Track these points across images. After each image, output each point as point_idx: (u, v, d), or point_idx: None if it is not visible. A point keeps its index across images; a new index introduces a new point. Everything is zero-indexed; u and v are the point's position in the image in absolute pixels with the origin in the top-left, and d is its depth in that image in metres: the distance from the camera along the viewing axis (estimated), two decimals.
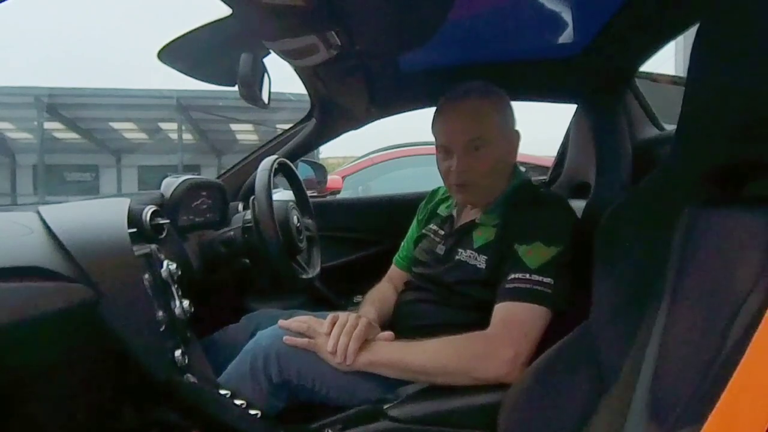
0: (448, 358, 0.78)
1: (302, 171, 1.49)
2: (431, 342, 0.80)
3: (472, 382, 0.78)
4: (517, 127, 0.96)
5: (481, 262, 0.89)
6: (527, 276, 0.81)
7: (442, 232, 1.02)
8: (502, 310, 0.81)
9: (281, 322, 0.88)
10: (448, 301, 0.92)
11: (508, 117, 0.94)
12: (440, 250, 0.99)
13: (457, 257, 0.93)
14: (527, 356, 0.77)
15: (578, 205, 1.07)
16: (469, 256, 0.91)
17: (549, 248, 0.82)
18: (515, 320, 0.79)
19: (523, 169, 1.04)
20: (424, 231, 1.08)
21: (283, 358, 0.84)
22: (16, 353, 0.63)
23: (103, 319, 0.69)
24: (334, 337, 0.81)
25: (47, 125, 9.36)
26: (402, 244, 1.17)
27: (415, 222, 1.16)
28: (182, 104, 9.10)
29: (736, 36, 0.43)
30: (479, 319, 0.83)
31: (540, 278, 0.80)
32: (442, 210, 1.07)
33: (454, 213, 1.03)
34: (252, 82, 0.93)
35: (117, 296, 0.71)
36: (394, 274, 1.15)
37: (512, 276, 0.82)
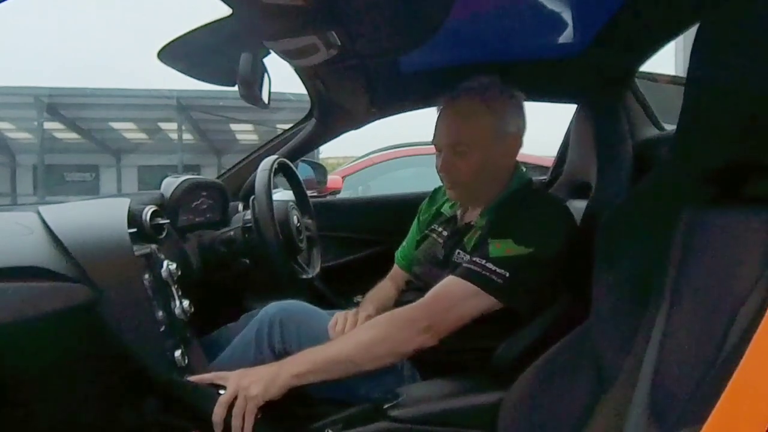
0: (374, 343, 0.79)
1: (302, 171, 1.48)
2: (356, 330, 0.83)
3: (397, 358, 0.81)
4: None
5: None
6: (483, 262, 0.82)
7: (446, 233, 1.02)
8: (442, 282, 0.84)
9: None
10: None
11: (506, 119, 0.91)
12: (440, 253, 0.99)
13: (454, 259, 0.94)
14: (444, 332, 0.80)
15: (579, 205, 1.07)
16: (463, 258, 0.91)
17: (518, 247, 0.82)
18: (445, 294, 0.82)
19: (523, 169, 1.04)
20: (427, 231, 1.08)
21: (285, 327, 0.86)
22: (16, 353, 0.63)
23: (103, 319, 0.69)
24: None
25: (47, 125, 9.34)
26: (403, 243, 1.17)
27: (416, 222, 1.16)
28: (182, 104, 9.08)
29: (736, 36, 0.43)
30: (477, 320, 0.83)
31: (493, 267, 0.81)
32: (446, 209, 1.07)
33: (458, 213, 1.02)
34: (252, 82, 0.93)
35: (117, 296, 0.71)
36: (396, 273, 1.15)
37: (471, 259, 0.84)
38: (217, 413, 0.73)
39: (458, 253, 0.93)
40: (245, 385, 0.74)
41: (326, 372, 0.78)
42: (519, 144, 0.95)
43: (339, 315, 0.92)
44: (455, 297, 0.82)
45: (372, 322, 0.83)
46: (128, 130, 10.77)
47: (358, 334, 0.81)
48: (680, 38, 0.99)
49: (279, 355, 0.85)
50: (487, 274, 0.81)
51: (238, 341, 0.90)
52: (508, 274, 0.81)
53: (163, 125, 10.28)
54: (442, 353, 0.86)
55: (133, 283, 0.75)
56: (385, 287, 1.11)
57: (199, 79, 1.06)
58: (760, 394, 0.33)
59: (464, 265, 0.85)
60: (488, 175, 0.93)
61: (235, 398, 0.74)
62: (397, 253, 1.17)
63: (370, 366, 0.79)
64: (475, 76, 0.94)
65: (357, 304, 1.09)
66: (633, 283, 0.57)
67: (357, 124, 1.48)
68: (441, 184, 1.04)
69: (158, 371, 0.76)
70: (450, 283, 0.84)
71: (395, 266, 1.17)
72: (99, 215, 0.86)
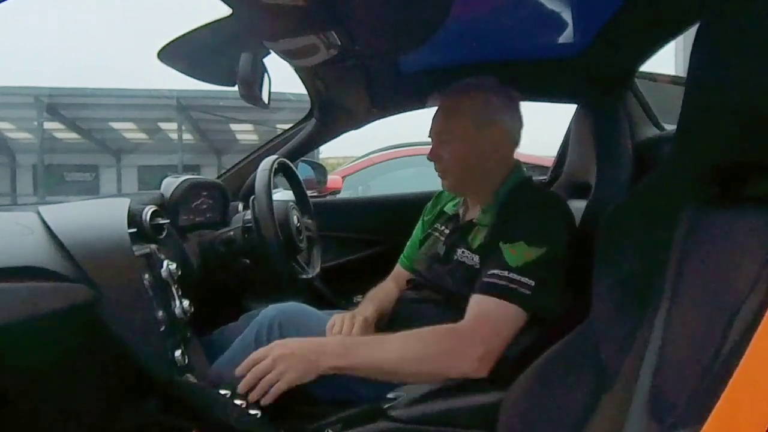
0: (421, 360, 0.78)
1: (302, 171, 1.48)
2: (400, 340, 0.80)
3: (441, 380, 0.78)
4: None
5: (477, 263, 0.90)
6: (506, 273, 0.81)
7: (447, 231, 1.02)
8: (475, 304, 0.81)
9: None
10: (447, 303, 0.92)
11: (490, 111, 0.93)
12: (441, 249, 0.99)
13: (455, 257, 0.94)
14: (497, 354, 0.77)
15: (579, 205, 1.07)
16: (467, 257, 0.92)
17: (531, 248, 0.81)
18: (488, 316, 0.79)
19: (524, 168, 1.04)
20: (429, 230, 1.08)
21: (284, 328, 0.86)
22: (16, 353, 0.63)
23: (103, 319, 0.69)
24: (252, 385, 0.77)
25: (47, 125, 9.33)
26: (407, 243, 1.17)
27: (420, 223, 1.16)
28: (182, 104, 9.08)
29: (736, 35, 0.43)
30: None
31: (519, 278, 0.80)
32: (449, 208, 1.08)
33: (460, 212, 1.03)
34: (252, 82, 0.93)
35: (117, 296, 0.71)
36: (398, 274, 1.15)
37: (492, 272, 0.82)
38: (244, 367, 0.76)
39: (462, 252, 0.93)
40: (283, 369, 0.76)
41: (364, 373, 0.79)
42: (507, 138, 0.95)
43: (337, 317, 0.91)
44: (498, 317, 0.79)
45: (420, 337, 0.79)
46: (128, 130, 10.77)
47: (405, 348, 0.79)
48: (680, 38, 0.99)
49: None
50: (515, 286, 0.79)
51: (237, 344, 0.90)
52: (533, 283, 0.79)
53: (163, 125, 10.27)
54: None
55: (133, 283, 0.75)
56: (387, 287, 1.11)
57: (199, 79, 1.06)
58: (761, 394, 0.33)
59: (486, 280, 0.82)
60: (474, 165, 0.94)
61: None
62: (402, 254, 1.17)
63: (410, 381, 0.79)
64: (471, 76, 0.97)
65: (357, 304, 1.09)
66: (633, 283, 0.57)
67: (357, 124, 1.48)
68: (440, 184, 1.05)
69: (158, 371, 0.76)
70: (483, 302, 0.80)
71: (398, 267, 1.17)
72: (99, 215, 0.86)
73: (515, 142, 0.97)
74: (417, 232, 1.16)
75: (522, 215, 0.87)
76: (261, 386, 0.75)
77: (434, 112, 0.99)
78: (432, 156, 0.98)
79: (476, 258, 0.90)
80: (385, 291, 1.09)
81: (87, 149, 11.06)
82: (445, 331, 0.80)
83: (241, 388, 0.76)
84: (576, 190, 1.22)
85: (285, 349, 0.78)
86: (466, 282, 0.89)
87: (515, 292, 0.79)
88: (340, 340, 0.84)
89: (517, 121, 0.97)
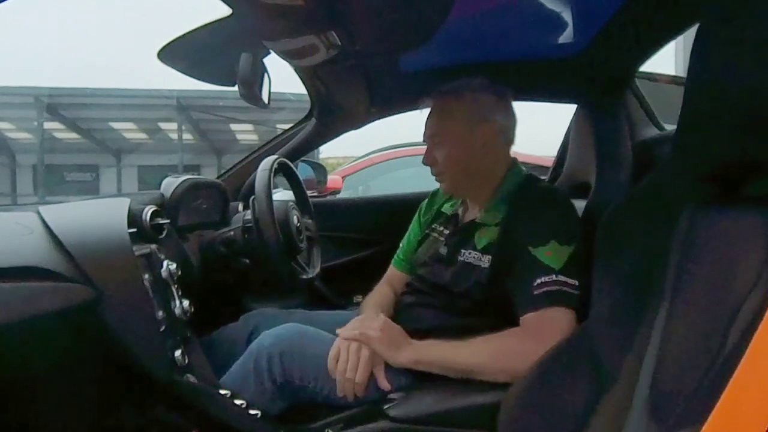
0: (497, 362, 0.78)
1: (302, 171, 1.49)
2: (475, 344, 0.80)
3: (512, 379, 0.75)
4: (517, 127, 0.97)
5: (485, 262, 0.88)
6: (553, 278, 0.80)
7: (447, 232, 1.01)
8: (535, 316, 0.80)
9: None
10: (450, 306, 0.91)
11: (480, 111, 0.92)
12: (443, 250, 0.98)
13: (461, 258, 0.92)
14: None
15: (578, 205, 1.07)
16: (474, 258, 0.90)
17: (563, 246, 0.81)
18: (551, 321, 0.78)
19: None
20: (427, 231, 1.07)
21: (286, 357, 0.84)
22: (16, 353, 0.63)
23: (103, 319, 0.69)
24: (340, 372, 0.81)
25: (47, 125, 9.33)
26: (401, 244, 1.16)
27: (416, 223, 1.15)
28: (182, 104, 9.08)
29: (736, 36, 0.43)
30: (480, 324, 0.83)
31: (565, 279, 0.80)
32: (446, 208, 1.07)
33: (460, 211, 1.02)
34: (252, 82, 0.93)
35: (117, 296, 0.71)
36: (393, 276, 1.13)
37: (538, 281, 0.80)
38: (343, 334, 0.85)
39: (469, 252, 0.92)
40: (380, 334, 0.83)
41: (443, 372, 0.81)
42: (501, 137, 0.94)
43: (342, 348, 0.84)
44: (560, 321, 0.78)
45: (499, 344, 0.80)
46: (128, 130, 10.78)
47: (483, 353, 0.79)
48: (680, 38, 0.99)
49: (281, 386, 0.83)
50: (566, 289, 0.79)
51: (237, 369, 0.87)
52: (576, 282, 0.80)
53: (163, 125, 10.28)
54: None
55: (133, 283, 0.75)
56: (384, 292, 1.09)
57: (199, 79, 1.06)
58: (761, 393, 0.33)
59: (537, 291, 0.80)
60: (470, 166, 0.93)
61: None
62: (396, 255, 1.15)
63: (490, 378, 0.78)
64: (462, 78, 0.96)
65: (357, 305, 1.09)
66: (633, 282, 0.57)
67: (357, 124, 1.48)
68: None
69: (158, 371, 0.76)
70: (545, 314, 0.79)
71: (392, 269, 1.15)
72: (99, 215, 0.86)
73: (510, 141, 0.97)
74: (413, 232, 1.14)
75: (543, 214, 0.86)
76: (357, 339, 0.82)
77: (427, 117, 0.98)
78: (427, 159, 0.97)
79: (486, 258, 0.88)
80: (384, 296, 1.07)
81: (87, 149, 11.07)
82: (516, 335, 0.80)
83: (343, 332, 0.85)
84: (576, 190, 1.22)
85: (390, 324, 0.87)
86: (474, 282, 0.88)
87: (566, 295, 0.79)
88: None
89: (511, 119, 0.96)
